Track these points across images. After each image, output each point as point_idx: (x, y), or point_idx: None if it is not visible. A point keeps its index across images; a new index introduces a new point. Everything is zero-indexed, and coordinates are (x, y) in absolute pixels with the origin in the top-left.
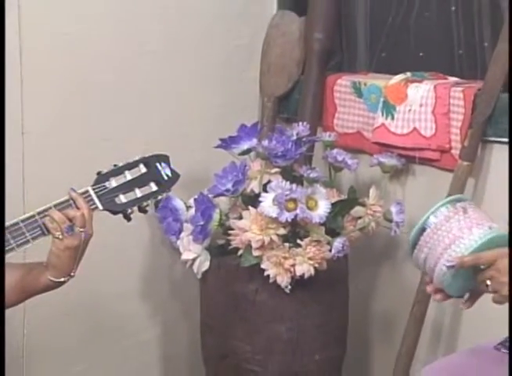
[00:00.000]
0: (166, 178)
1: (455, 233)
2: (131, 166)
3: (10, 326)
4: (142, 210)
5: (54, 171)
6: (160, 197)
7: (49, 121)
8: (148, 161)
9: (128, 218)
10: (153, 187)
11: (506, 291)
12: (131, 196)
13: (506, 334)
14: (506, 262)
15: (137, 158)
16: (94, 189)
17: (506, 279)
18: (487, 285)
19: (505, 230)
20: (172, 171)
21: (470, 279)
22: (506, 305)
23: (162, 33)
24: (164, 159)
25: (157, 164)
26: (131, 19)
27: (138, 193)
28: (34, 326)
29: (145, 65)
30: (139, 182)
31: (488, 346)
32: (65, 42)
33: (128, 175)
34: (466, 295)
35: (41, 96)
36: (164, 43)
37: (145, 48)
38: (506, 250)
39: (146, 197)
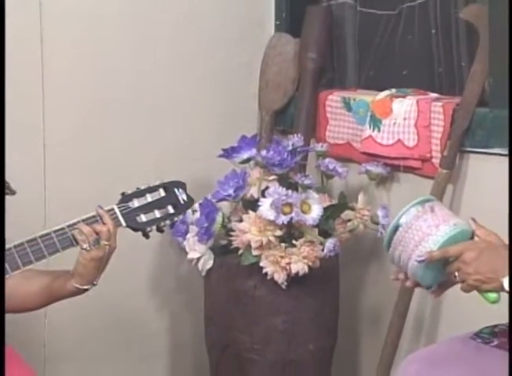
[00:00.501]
0: (182, 202)
1: (424, 231)
2: (152, 190)
3: (33, 315)
4: (160, 229)
5: (74, 181)
6: (176, 219)
7: (69, 133)
8: (167, 186)
9: (146, 235)
10: (171, 210)
11: (471, 280)
12: (150, 216)
13: (480, 326)
14: (470, 254)
15: (158, 183)
16: (119, 208)
17: (471, 270)
18: (455, 276)
19: (468, 226)
20: (188, 196)
21: (441, 270)
22: (480, 300)
23: (171, 53)
24: (182, 186)
25: (175, 190)
26: (143, 41)
27: (157, 213)
28: (55, 316)
29: (156, 83)
30: (159, 204)
31: (465, 337)
32: (84, 60)
33: (149, 198)
34: (435, 286)
35: (61, 110)
36: (173, 62)
37: (155, 67)
38: (470, 243)
39: (163, 218)
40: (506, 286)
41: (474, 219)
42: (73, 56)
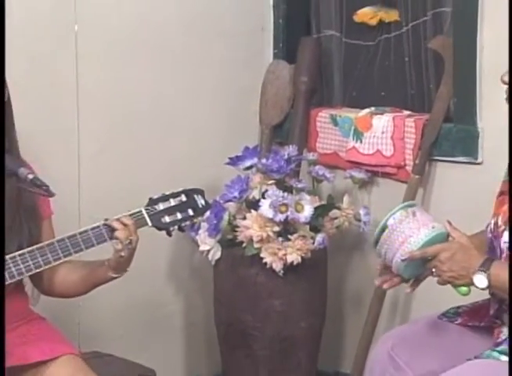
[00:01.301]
0: (201, 206)
1: (407, 233)
2: (175, 195)
3: (68, 301)
4: (181, 229)
5: (104, 184)
6: (194, 221)
7: (100, 142)
8: (188, 193)
9: (169, 234)
10: (190, 212)
11: (446, 276)
12: (173, 217)
13: (446, 307)
14: (445, 254)
15: (180, 190)
16: (146, 210)
17: (446, 268)
18: (432, 272)
19: (444, 228)
20: (206, 201)
21: (420, 267)
22: (446, 286)
23: (187, 77)
24: (201, 192)
25: (195, 196)
26: (164, 67)
27: (179, 215)
28: (87, 299)
29: (173, 102)
30: (180, 207)
31: (433, 316)
32: (113, 78)
33: (172, 202)
34: (411, 281)
35: (93, 121)
36: (188, 85)
37: (174, 89)
38: (445, 245)
39: (184, 219)
40: (476, 282)
41: (449, 222)
42: (104, 74)
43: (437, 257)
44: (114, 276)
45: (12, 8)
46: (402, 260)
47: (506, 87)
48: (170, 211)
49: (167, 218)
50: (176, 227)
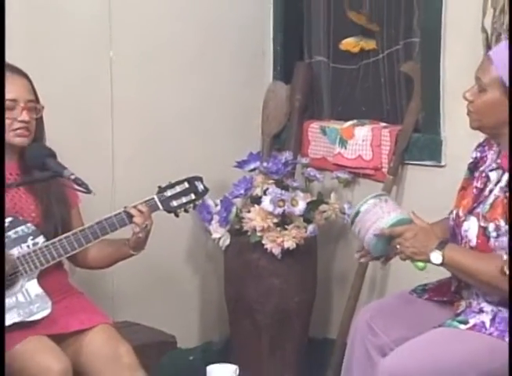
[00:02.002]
0: (201, 191)
1: (379, 214)
2: (179, 183)
3: (103, 273)
4: (186, 210)
5: (135, 185)
6: (196, 203)
7: (131, 146)
8: (190, 180)
9: (177, 215)
10: (193, 196)
11: (408, 252)
12: (179, 201)
13: (415, 285)
14: (409, 233)
15: (183, 178)
16: (157, 197)
17: (409, 244)
18: (396, 248)
19: (409, 215)
20: (204, 186)
21: (386, 246)
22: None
23: (201, 95)
24: (200, 179)
25: (196, 182)
26: (182, 87)
27: (184, 199)
28: (119, 277)
29: (190, 115)
30: (184, 192)
31: (404, 292)
32: (144, 97)
33: (178, 188)
34: (382, 258)
35: (125, 127)
36: (201, 102)
37: (190, 105)
38: (410, 226)
39: (188, 203)
40: (432, 259)
41: (413, 212)
42: (134, 93)
43: (402, 235)
44: (133, 253)
45: (57, 34)
46: (375, 235)
47: (467, 102)
48: (176, 196)
49: (174, 203)
50: (182, 209)
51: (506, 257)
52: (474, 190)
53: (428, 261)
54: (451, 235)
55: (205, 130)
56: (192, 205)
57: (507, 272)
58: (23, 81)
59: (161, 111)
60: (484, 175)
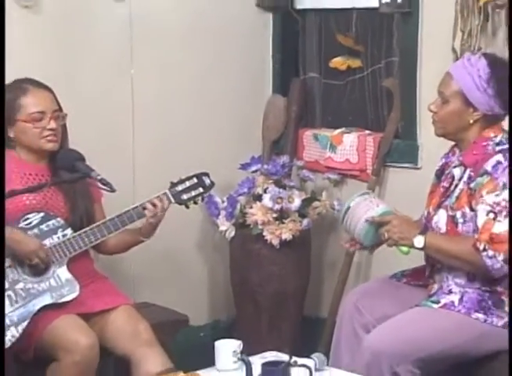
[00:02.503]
0: (208, 185)
1: (369, 206)
2: (189, 178)
3: (124, 260)
4: (195, 202)
5: (153, 183)
6: (204, 196)
7: (149, 142)
8: (198, 176)
9: (187, 207)
10: (201, 190)
11: (395, 237)
12: (189, 195)
13: (395, 270)
14: (396, 221)
15: (192, 174)
16: (169, 191)
17: (396, 230)
18: (384, 235)
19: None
20: (211, 181)
21: (375, 234)
22: (395, 257)
23: (210, 108)
24: (207, 175)
25: (203, 177)
26: (195, 101)
27: (193, 193)
28: (138, 261)
29: (201, 124)
30: (193, 187)
31: (386, 277)
32: (161, 109)
33: (188, 183)
34: (370, 249)
35: (146, 124)
36: (211, 114)
37: (202, 116)
38: (397, 215)
39: (197, 196)
40: (415, 243)
41: (396, 209)
42: (152, 105)
43: (390, 223)
44: (144, 239)
45: (85, 54)
46: (366, 221)
47: (431, 113)
48: (186, 190)
49: (184, 196)
50: (192, 202)
51: (476, 236)
52: (442, 189)
53: (412, 245)
54: (425, 229)
55: (213, 137)
56: (200, 198)
57: (480, 248)
58: (48, 94)
59: (176, 120)
60: (449, 176)
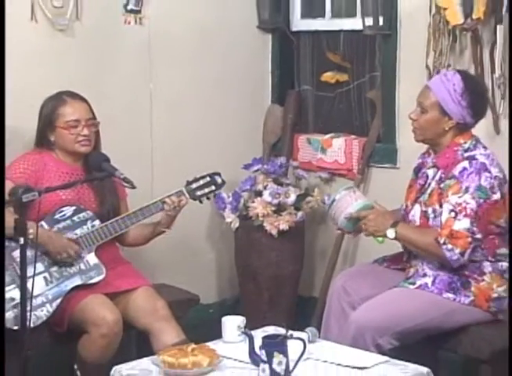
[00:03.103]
0: (219, 183)
1: (349, 202)
2: (203, 177)
3: (145, 248)
4: (208, 198)
5: (169, 181)
6: (216, 193)
7: (167, 155)
8: (211, 175)
9: (201, 202)
10: (213, 187)
11: (371, 229)
12: (202, 192)
13: (378, 256)
14: (372, 216)
15: (205, 174)
16: (185, 189)
17: (372, 224)
18: (362, 227)
19: (370, 201)
20: (222, 180)
21: (355, 224)
22: (376, 246)
23: (218, 117)
24: (219, 174)
25: (215, 176)
26: (205, 111)
27: (206, 190)
28: (157, 251)
29: (211, 131)
30: (206, 185)
31: (369, 262)
32: (177, 118)
33: (201, 182)
34: (353, 233)
35: (164, 123)
36: (218, 123)
37: (210, 124)
38: (372, 210)
39: (209, 192)
40: (388, 234)
41: (376, 201)
42: (169, 114)
43: (367, 217)
44: (164, 230)
45: (108, 71)
46: (345, 218)
47: (411, 121)
48: (200, 187)
49: (198, 193)
50: (205, 197)
51: (439, 231)
52: (418, 186)
53: (385, 236)
54: (403, 220)
55: (220, 141)
56: (212, 194)
57: (441, 242)
58: (83, 105)
59: (188, 127)
60: (424, 174)
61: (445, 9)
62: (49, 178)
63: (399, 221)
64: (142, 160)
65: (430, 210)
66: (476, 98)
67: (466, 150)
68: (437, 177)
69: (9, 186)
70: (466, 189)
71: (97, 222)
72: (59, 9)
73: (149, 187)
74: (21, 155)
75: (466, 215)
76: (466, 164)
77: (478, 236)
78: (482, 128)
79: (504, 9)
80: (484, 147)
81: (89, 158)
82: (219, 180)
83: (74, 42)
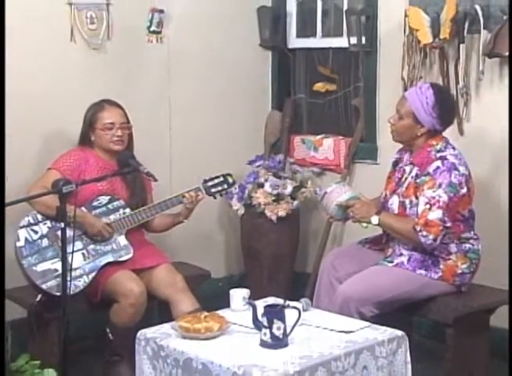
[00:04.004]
0: (231, 182)
1: (339, 193)
2: (217, 177)
3: (165, 240)
4: (221, 195)
5: (185, 177)
6: (228, 190)
7: (185, 153)
8: (224, 175)
9: (215, 197)
10: (226, 186)
11: (357, 216)
12: (216, 189)
13: (361, 238)
14: (358, 205)
15: (219, 174)
16: (202, 186)
17: (358, 212)
18: (349, 214)
19: (357, 194)
20: (233, 180)
21: (343, 214)
22: (361, 230)
23: (226, 122)
24: (230, 175)
25: (228, 177)
26: (216, 114)
27: (220, 188)
28: (175, 234)
29: (220, 135)
30: (220, 184)
31: (354, 243)
32: (191, 122)
33: (216, 180)
34: (342, 220)
35: (181, 144)
36: (226, 127)
37: (219, 127)
38: (359, 200)
39: (222, 190)
40: (372, 221)
41: (361, 193)
42: (185, 118)
43: (354, 206)
44: (184, 221)
45: (132, 82)
46: (336, 205)
47: (389, 124)
48: (215, 185)
49: (213, 190)
50: (218, 194)
51: (416, 220)
52: (396, 179)
53: (369, 222)
54: (382, 208)
55: (229, 141)
56: (225, 192)
57: (417, 229)
58: (118, 110)
59: (201, 130)
60: (402, 169)
61: (417, 30)
62: (90, 172)
63: (381, 210)
64: (162, 159)
65: (407, 201)
66: (445, 110)
67: (438, 151)
68: (413, 173)
69: (55, 175)
70: (440, 185)
71: (128, 210)
72: (93, 31)
73: (168, 182)
74: (67, 151)
75: (439, 207)
76: (439, 163)
77: (448, 224)
78: (448, 131)
79: (465, 31)
80: (453, 148)
81: (119, 156)
82: (230, 180)
83: (106, 58)
